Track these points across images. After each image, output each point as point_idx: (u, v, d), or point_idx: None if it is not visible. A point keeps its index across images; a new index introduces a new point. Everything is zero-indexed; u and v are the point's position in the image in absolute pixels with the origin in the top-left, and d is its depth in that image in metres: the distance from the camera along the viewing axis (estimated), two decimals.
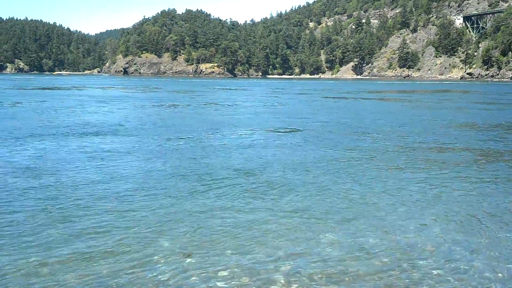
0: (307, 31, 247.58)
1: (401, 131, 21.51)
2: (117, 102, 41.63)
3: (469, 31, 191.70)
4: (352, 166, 13.32)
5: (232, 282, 6.21)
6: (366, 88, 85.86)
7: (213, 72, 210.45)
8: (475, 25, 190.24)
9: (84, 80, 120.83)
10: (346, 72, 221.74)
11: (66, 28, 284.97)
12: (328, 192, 10.52)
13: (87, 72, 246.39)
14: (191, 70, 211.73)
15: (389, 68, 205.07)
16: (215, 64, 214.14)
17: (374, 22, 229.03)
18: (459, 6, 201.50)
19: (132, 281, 6.19)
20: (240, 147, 16.62)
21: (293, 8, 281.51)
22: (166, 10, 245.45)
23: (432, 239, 7.80)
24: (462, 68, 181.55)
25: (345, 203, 9.72)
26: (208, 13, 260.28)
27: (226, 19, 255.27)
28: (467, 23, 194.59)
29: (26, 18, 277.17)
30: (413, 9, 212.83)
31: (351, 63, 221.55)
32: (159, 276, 6.35)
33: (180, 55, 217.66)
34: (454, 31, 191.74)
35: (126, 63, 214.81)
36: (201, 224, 8.35)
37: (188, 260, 6.82)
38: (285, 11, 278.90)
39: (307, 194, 10.28)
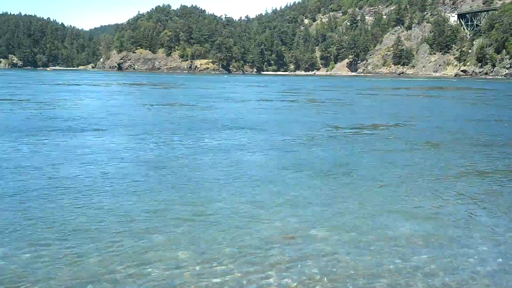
0: (302, 28, 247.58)
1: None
2: (175, 97, 42.70)
3: (464, 29, 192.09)
4: None
5: (227, 277, 6.11)
6: (379, 85, 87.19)
7: (208, 68, 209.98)
8: (469, 23, 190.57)
9: (91, 76, 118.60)
10: (340, 69, 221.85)
11: (60, 23, 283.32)
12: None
13: (81, 67, 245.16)
14: (185, 66, 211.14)
15: (383, 65, 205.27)
16: (210, 60, 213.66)
17: (369, 19, 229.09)
18: (453, 3, 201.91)
19: (125, 275, 6.13)
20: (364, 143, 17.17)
21: (288, 4, 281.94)
22: (161, 6, 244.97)
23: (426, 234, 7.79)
24: (456, 65, 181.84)
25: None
26: (203, 9, 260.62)
27: (221, 15, 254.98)
28: (461, 20, 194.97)
29: (20, 13, 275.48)
30: (408, 6, 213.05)
31: (346, 60, 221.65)
32: (153, 271, 6.27)
33: (175, 51, 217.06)
34: (449, 28, 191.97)
35: (120, 59, 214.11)
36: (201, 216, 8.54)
37: (181, 255, 6.75)
38: (280, 8, 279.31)
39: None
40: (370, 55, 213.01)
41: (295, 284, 5.99)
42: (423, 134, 19.74)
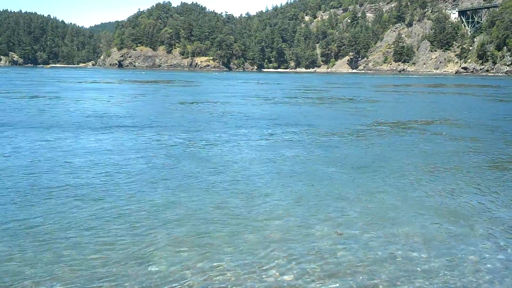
0: (303, 25, 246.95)
1: None
2: (203, 95, 43.05)
3: (464, 26, 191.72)
4: None
5: (227, 275, 6.19)
6: (387, 82, 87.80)
7: (208, 65, 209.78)
8: (470, 20, 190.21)
9: (97, 74, 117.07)
10: (341, 66, 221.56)
11: (60, 20, 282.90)
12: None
13: (81, 65, 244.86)
14: (186, 63, 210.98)
15: (384, 62, 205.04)
16: (210, 58, 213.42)
17: (370, 16, 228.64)
18: (454, 0, 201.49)
19: (125, 273, 6.18)
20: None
21: (289, 1, 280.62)
22: (161, 3, 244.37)
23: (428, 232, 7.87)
24: (457, 62, 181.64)
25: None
26: (203, 6, 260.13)
27: (222, 12, 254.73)
28: (462, 17, 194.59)
29: (20, 10, 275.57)
30: (409, 3, 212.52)
31: (347, 57, 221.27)
32: (152, 268, 6.34)
33: (175, 48, 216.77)
34: (449, 25, 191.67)
35: (120, 56, 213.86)
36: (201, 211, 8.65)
37: (183, 252, 6.84)
38: (281, 5, 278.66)
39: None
40: (370, 52, 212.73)
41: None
42: (463, 130, 20.33)
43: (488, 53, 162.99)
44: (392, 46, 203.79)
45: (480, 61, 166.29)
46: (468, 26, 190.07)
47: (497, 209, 9.04)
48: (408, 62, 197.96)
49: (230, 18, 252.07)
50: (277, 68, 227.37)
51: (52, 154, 13.45)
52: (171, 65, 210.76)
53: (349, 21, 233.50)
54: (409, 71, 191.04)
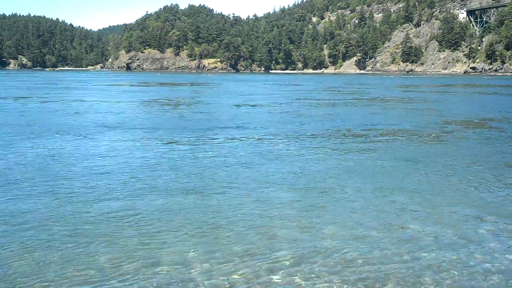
0: (310, 26, 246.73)
1: None
2: (248, 97, 43.11)
3: (473, 26, 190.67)
4: None
5: (232, 274, 6.23)
6: (407, 82, 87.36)
7: (216, 67, 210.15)
8: (478, 20, 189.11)
9: (113, 77, 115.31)
10: (349, 66, 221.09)
11: (68, 24, 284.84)
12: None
13: (90, 68, 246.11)
14: (193, 66, 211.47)
15: (392, 63, 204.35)
16: (218, 60, 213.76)
17: (377, 16, 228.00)
18: (462, 0, 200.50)
19: (135, 274, 6.21)
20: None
21: (296, 3, 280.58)
22: (169, 5, 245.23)
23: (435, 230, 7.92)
24: (465, 62, 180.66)
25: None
26: (211, 8, 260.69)
27: (229, 14, 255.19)
28: (470, 17, 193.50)
29: (29, 14, 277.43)
30: (416, 3, 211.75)
31: (354, 58, 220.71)
32: (162, 267, 6.37)
33: (183, 51, 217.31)
34: (458, 25, 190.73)
35: (129, 59, 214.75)
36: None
37: (191, 253, 6.86)
38: (288, 6, 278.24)
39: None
40: (378, 53, 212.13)
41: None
42: None
43: (497, 52, 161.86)
44: (400, 46, 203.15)
45: (489, 61, 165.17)
46: (476, 26, 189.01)
47: None
48: (416, 63, 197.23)
49: (237, 20, 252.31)
50: (284, 70, 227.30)
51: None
52: (179, 67, 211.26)
53: (356, 21, 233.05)
54: (417, 71, 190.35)
